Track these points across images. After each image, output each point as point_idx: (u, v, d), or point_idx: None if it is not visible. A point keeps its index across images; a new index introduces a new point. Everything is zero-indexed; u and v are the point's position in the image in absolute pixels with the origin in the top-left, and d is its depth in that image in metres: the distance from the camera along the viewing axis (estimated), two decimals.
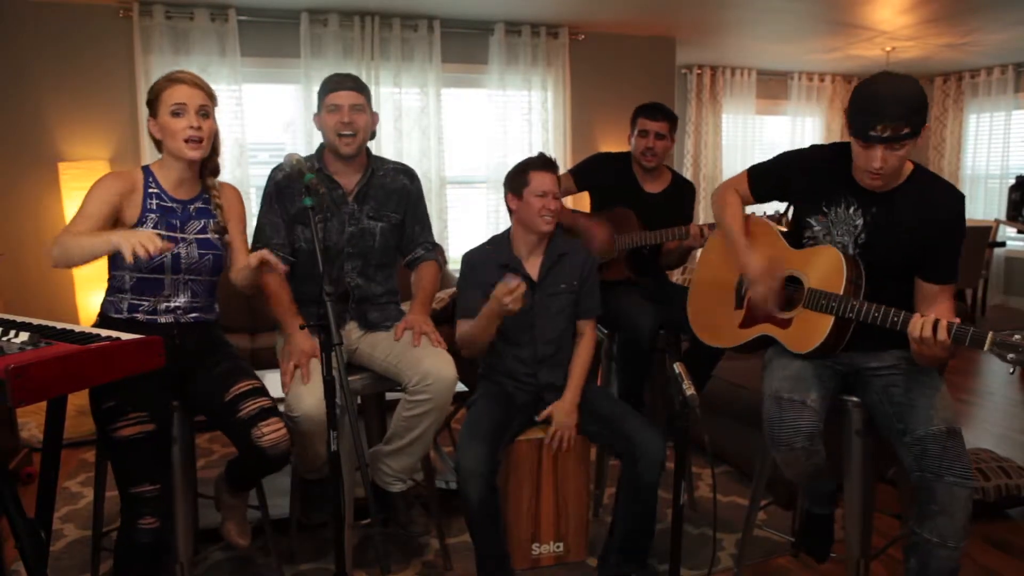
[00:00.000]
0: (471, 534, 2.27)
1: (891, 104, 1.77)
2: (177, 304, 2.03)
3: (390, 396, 2.71)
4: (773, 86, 7.11)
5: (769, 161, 2.19)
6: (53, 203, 4.33)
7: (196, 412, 2.12)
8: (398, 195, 2.42)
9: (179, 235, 2.02)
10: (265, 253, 1.93)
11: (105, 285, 2.06)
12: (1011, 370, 1.65)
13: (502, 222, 5.28)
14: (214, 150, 2.07)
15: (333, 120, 2.25)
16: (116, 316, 1.99)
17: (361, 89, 2.30)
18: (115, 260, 1.98)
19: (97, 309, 2.07)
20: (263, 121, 5.06)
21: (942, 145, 7.38)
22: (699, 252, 2.75)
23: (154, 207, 2.00)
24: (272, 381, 2.24)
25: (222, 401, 1.99)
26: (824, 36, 5.68)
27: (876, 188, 1.93)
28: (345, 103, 2.25)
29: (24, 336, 1.49)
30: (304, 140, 4.82)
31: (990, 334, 1.65)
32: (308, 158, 2.33)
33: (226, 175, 2.16)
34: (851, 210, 1.99)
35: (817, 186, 2.04)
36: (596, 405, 2.42)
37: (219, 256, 2.07)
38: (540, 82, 5.32)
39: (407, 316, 2.34)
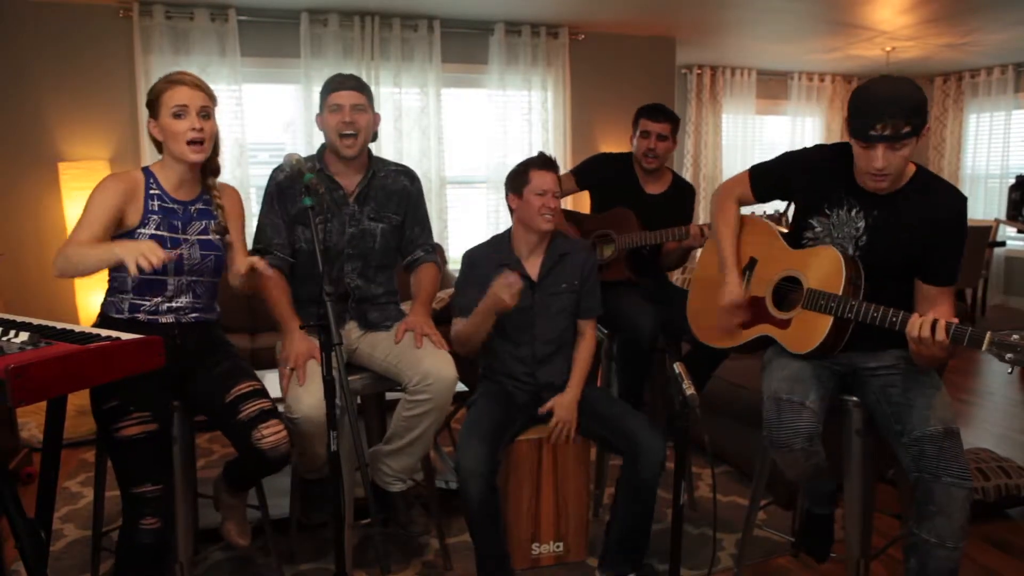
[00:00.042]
0: (471, 534, 2.27)
1: (890, 103, 1.77)
2: (179, 304, 2.03)
3: (390, 396, 2.71)
4: (773, 86, 7.11)
5: (771, 161, 2.18)
6: (53, 203, 4.33)
7: (196, 412, 2.12)
8: (399, 196, 2.42)
9: (181, 236, 2.02)
10: (254, 260, 1.92)
11: (105, 285, 2.06)
12: (1009, 370, 1.65)
13: (502, 222, 5.28)
14: (214, 150, 2.07)
15: (335, 120, 2.25)
16: (117, 316, 2.00)
17: (363, 89, 2.30)
18: None
19: (97, 309, 2.07)
20: (263, 121, 5.06)
21: (942, 145, 7.38)
22: (699, 252, 2.75)
23: (156, 209, 2.00)
24: (272, 381, 2.24)
25: (223, 402, 1.99)
26: (824, 36, 5.68)
27: (879, 191, 1.92)
28: (347, 103, 2.25)
29: (24, 336, 1.49)
30: (304, 140, 4.83)
31: (988, 334, 1.65)
32: (309, 158, 2.33)
33: (226, 175, 2.17)
34: (853, 212, 1.98)
35: (818, 187, 2.04)
36: (596, 405, 2.43)
37: (221, 257, 2.07)
38: (540, 82, 5.32)
39: (408, 318, 2.33)
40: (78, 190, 4.17)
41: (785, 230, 2.21)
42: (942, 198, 1.92)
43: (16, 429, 3.28)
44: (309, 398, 2.05)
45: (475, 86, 5.30)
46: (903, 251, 1.94)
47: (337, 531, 1.86)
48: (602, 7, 4.83)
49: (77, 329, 1.64)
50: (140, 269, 1.68)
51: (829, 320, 1.94)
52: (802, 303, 2.02)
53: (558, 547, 2.53)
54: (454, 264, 4.79)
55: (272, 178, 2.35)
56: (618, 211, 2.90)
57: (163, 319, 2.01)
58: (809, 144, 2.23)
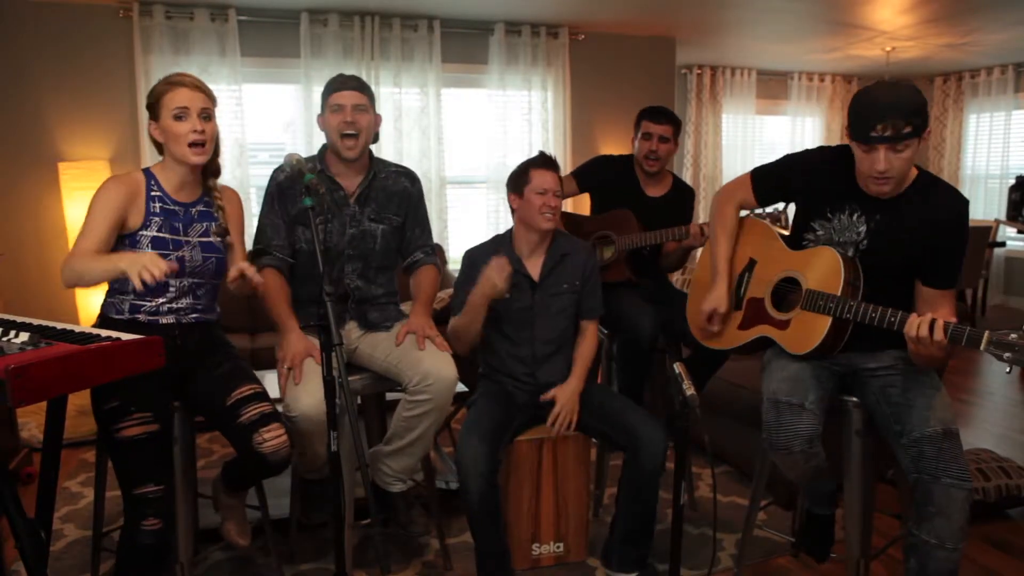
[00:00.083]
0: (472, 532, 2.27)
1: (890, 104, 1.77)
2: (179, 305, 2.03)
3: (390, 396, 2.71)
4: (773, 86, 7.11)
5: (772, 163, 2.18)
6: (53, 203, 4.33)
7: (196, 413, 2.12)
8: (399, 197, 2.42)
9: (183, 238, 2.02)
10: (244, 266, 1.92)
11: (105, 286, 2.06)
12: (1008, 369, 1.66)
13: (502, 222, 5.28)
14: (215, 151, 2.07)
15: (336, 120, 2.26)
16: (117, 317, 2.00)
17: (364, 89, 2.30)
18: None
19: (97, 310, 2.07)
20: (263, 121, 5.07)
21: (942, 145, 7.38)
22: (699, 253, 2.75)
23: (157, 210, 2.00)
24: (272, 382, 2.25)
25: (223, 404, 2.00)
26: (824, 36, 5.68)
27: (882, 195, 1.91)
28: (348, 103, 2.25)
29: (24, 336, 1.49)
30: (304, 140, 4.83)
31: (986, 333, 1.65)
32: (310, 159, 2.33)
33: (226, 175, 2.17)
34: (855, 217, 1.98)
35: (820, 189, 2.03)
36: (597, 400, 2.43)
37: (222, 259, 2.07)
38: (540, 82, 5.32)
39: (410, 320, 2.33)
40: (78, 190, 4.17)
41: (785, 232, 2.21)
42: (943, 200, 1.91)
43: (16, 429, 3.28)
44: (307, 397, 2.05)
45: (475, 86, 5.30)
46: (904, 254, 1.93)
47: (337, 531, 1.86)
48: (602, 7, 4.83)
49: (77, 329, 1.64)
50: (144, 283, 1.69)
51: (828, 321, 1.94)
52: (801, 304, 2.02)
53: (558, 547, 2.53)
54: (454, 264, 4.79)
55: (273, 178, 2.36)
56: (618, 212, 2.90)
57: (163, 320, 2.01)
58: (809, 144, 2.23)
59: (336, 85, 2.29)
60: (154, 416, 1.87)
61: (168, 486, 1.90)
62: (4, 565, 2.28)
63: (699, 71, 6.70)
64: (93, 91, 4.43)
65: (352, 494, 2.23)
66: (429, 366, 2.18)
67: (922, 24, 5.25)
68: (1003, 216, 6.39)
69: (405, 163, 3.68)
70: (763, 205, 2.23)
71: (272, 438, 1.96)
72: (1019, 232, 6.53)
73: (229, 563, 2.56)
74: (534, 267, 2.45)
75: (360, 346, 2.36)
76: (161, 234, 1.98)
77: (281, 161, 2.18)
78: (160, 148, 2.04)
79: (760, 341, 2.15)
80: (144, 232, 1.97)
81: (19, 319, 1.73)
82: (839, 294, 1.92)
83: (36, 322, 1.70)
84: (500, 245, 2.48)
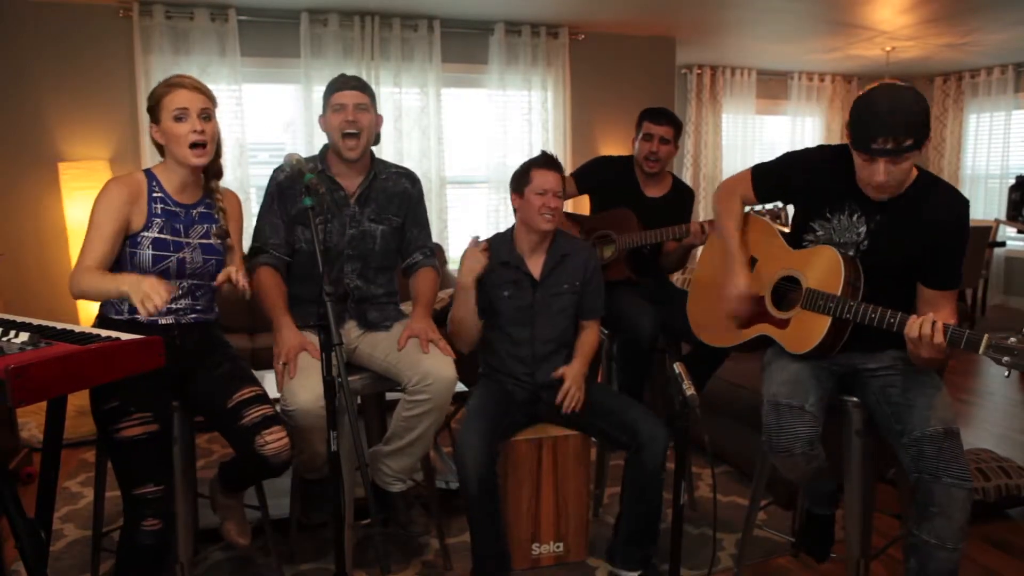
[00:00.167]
0: (470, 529, 2.27)
1: (892, 117, 1.75)
2: (178, 306, 2.03)
3: (390, 396, 2.71)
4: (773, 86, 7.11)
5: (772, 161, 2.18)
6: (53, 203, 4.33)
7: (196, 413, 2.12)
8: (399, 198, 2.42)
9: (184, 239, 2.02)
10: (231, 270, 1.94)
11: None
12: (1006, 373, 1.65)
13: (502, 222, 5.28)
14: (216, 152, 2.07)
15: (338, 119, 2.26)
16: (116, 317, 2.00)
17: (365, 90, 2.30)
18: (118, 265, 1.98)
19: (96, 310, 2.07)
20: (263, 121, 5.06)
21: (942, 145, 7.38)
22: (699, 252, 2.75)
23: (159, 212, 2.00)
24: (271, 381, 2.24)
25: (224, 406, 2.00)
26: (824, 36, 5.68)
27: (881, 199, 1.92)
28: (349, 102, 2.25)
29: (24, 336, 1.49)
30: (304, 140, 4.83)
31: (985, 337, 1.65)
32: (310, 159, 2.33)
33: (226, 175, 2.17)
34: (854, 217, 1.97)
35: (820, 188, 2.03)
36: (598, 398, 2.43)
37: (221, 261, 2.08)
38: (540, 82, 5.32)
39: (411, 323, 2.32)
40: (78, 190, 4.17)
41: (785, 229, 2.21)
42: (943, 201, 1.91)
43: (16, 429, 3.28)
44: (305, 392, 2.05)
45: (475, 86, 5.30)
46: (904, 255, 1.93)
47: (337, 531, 1.86)
48: (602, 7, 4.83)
49: (77, 329, 1.64)
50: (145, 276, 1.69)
51: (827, 320, 1.94)
52: (801, 303, 2.02)
53: (558, 547, 2.53)
54: (454, 264, 4.78)
55: (273, 178, 2.36)
56: (618, 211, 2.90)
57: (162, 320, 2.01)
58: (809, 144, 2.22)
59: (338, 85, 2.29)
60: (153, 416, 1.87)
61: (168, 486, 1.90)
62: (4, 565, 2.28)
63: (699, 71, 6.70)
64: (93, 91, 4.42)
65: (352, 494, 2.23)
66: (428, 366, 2.18)
67: (922, 24, 5.25)
68: (1003, 216, 6.39)
69: (405, 163, 3.68)
70: (762, 202, 2.23)
71: (274, 440, 1.96)
72: (1019, 232, 6.53)
73: (229, 563, 2.56)
74: (535, 266, 2.45)
75: (360, 346, 2.36)
76: (162, 235, 1.98)
77: (281, 161, 2.18)
78: (162, 151, 2.04)
79: (760, 340, 2.15)
80: (145, 233, 1.97)
81: (19, 319, 1.73)
82: (839, 294, 1.92)
83: (36, 322, 1.70)
84: (501, 243, 2.48)
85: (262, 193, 2.40)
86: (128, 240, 1.96)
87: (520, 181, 2.42)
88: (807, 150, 2.12)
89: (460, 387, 2.39)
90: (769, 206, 2.39)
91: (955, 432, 1.85)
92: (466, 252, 2.36)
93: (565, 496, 2.51)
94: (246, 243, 2.32)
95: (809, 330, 1.98)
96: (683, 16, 5.09)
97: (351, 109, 2.25)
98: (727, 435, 3.25)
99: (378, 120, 2.36)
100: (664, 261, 2.99)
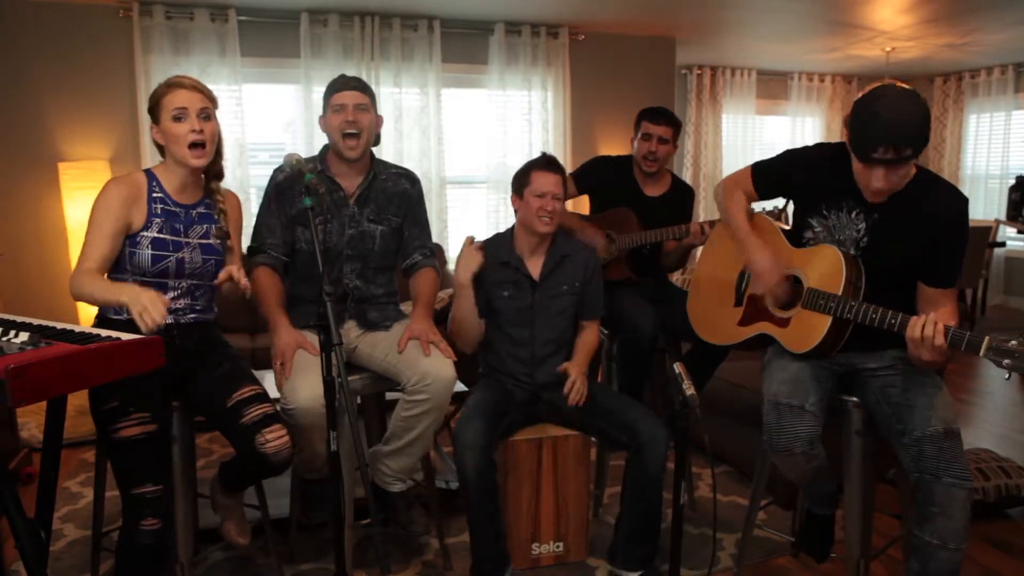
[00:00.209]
0: (469, 528, 2.27)
1: (893, 127, 1.74)
2: (177, 306, 2.03)
3: (390, 396, 2.71)
4: (773, 86, 7.11)
5: (773, 159, 2.18)
6: (53, 203, 4.33)
7: (196, 412, 2.12)
8: (399, 199, 2.42)
9: (183, 239, 2.02)
10: (232, 269, 1.94)
11: None
12: (1007, 376, 1.65)
13: (502, 222, 5.28)
14: (217, 153, 2.07)
15: (338, 120, 2.26)
16: (116, 317, 1.99)
17: (365, 90, 2.31)
18: (118, 264, 1.98)
19: (96, 310, 2.07)
20: (263, 121, 5.06)
21: (942, 145, 7.38)
22: (699, 252, 2.75)
23: (158, 212, 2.00)
24: (271, 381, 2.24)
25: (224, 406, 2.00)
26: (824, 36, 5.68)
27: (878, 200, 1.92)
28: (350, 103, 2.25)
29: (24, 336, 1.49)
30: (304, 140, 4.83)
31: (986, 339, 1.65)
32: (310, 159, 2.33)
33: (226, 175, 2.17)
34: (853, 215, 1.97)
35: (818, 186, 2.03)
36: (598, 398, 2.43)
37: (221, 261, 2.08)
38: (540, 82, 5.32)
39: (412, 325, 2.31)
40: (78, 190, 4.17)
41: (786, 227, 2.21)
42: (943, 198, 1.91)
43: (16, 429, 3.28)
44: (305, 390, 2.05)
45: (475, 86, 5.30)
46: (904, 252, 1.93)
47: (337, 531, 1.86)
48: (602, 7, 4.83)
49: (77, 329, 1.64)
50: (144, 273, 1.69)
51: (828, 320, 1.94)
52: (802, 302, 2.02)
53: (558, 547, 2.53)
54: (454, 264, 4.78)
55: (272, 178, 2.36)
56: (618, 211, 2.90)
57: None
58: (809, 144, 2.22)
59: (338, 85, 2.29)
60: (152, 416, 1.87)
61: (167, 486, 1.90)
62: (4, 565, 2.28)
63: (699, 71, 6.70)
64: (93, 91, 4.43)
65: (352, 494, 2.23)
66: (427, 366, 2.18)
67: (922, 24, 5.25)
68: (1003, 216, 6.39)
69: (405, 163, 3.68)
70: (763, 199, 2.23)
71: (275, 439, 1.96)
72: (1019, 232, 6.53)
73: (229, 563, 2.55)
74: (534, 267, 2.45)
75: (359, 345, 2.36)
76: (161, 235, 1.98)
77: (281, 161, 2.18)
78: (162, 151, 2.04)
79: (760, 338, 2.15)
80: (145, 233, 1.97)
81: (19, 319, 1.73)
82: (840, 293, 1.92)
83: (36, 322, 1.70)
84: (500, 244, 2.48)
85: (262, 193, 2.40)
86: (127, 240, 1.96)
87: (520, 182, 2.42)
88: (806, 148, 2.12)
89: (460, 387, 2.39)
90: (770, 207, 2.39)
91: (956, 432, 1.85)
92: (461, 251, 2.38)
93: (565, 496, 2.51)
94: (245, 244, 2.32)
95: (810, 329, 1.98)
96: (683, 16, 5.09)
97: (351, 109, 2.25)
98: (727, 435, 3.25)
99: (378, 120, 2.36)
100: (664, 261, 2.99)
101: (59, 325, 1.67)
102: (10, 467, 3.05)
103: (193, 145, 1.96)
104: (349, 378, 1.95)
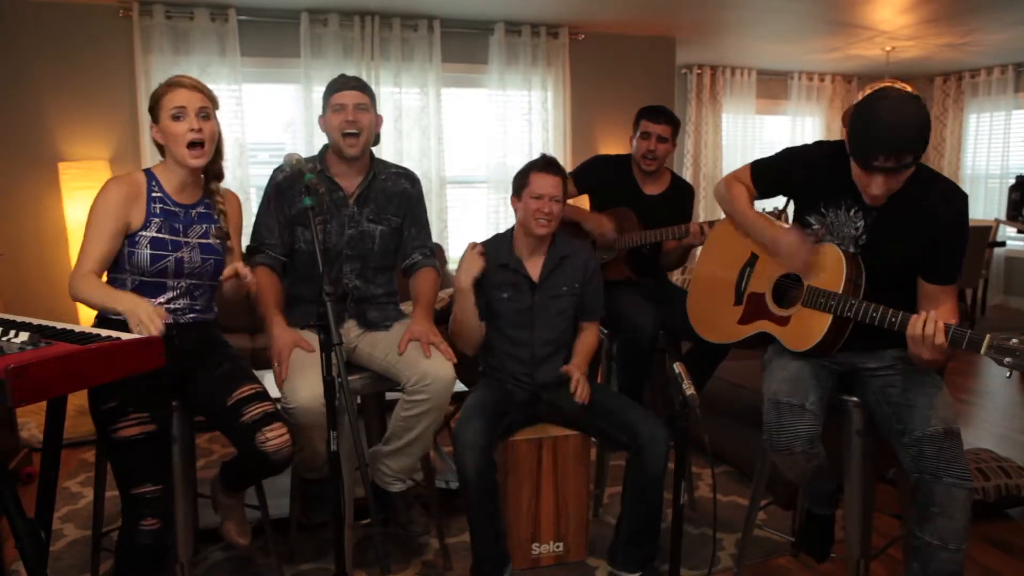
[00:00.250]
0: (470, 527, 2.27)
1: (894, 137, 1.74)
2: (177, 306, 2.03)
3: (390, 396, 2.71)
4: (773, 86, 7.11)
5: (772, 157, 2.18)
6: (53, 203, 4.33)
7: (196, 412, 2.12)
8: (399, 199, 2.42)
9: (182, 239, 2.02)
10: (238, 266, 1.95)
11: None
12: (1008, 374, 1.65)
13: (502, 222, 5.28)
14: (217, 153, 2.07)
15: (338, 119, 2.26)
16: (116, 317, 1.99)
17: (365, 90, 2.31)
18: (117, 264, 1.98)
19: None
20: (263, 121, 5.06)
21: (942, 145, 7.38)
22: (699, 251, 2.75)
23: (158, 211, 2.00)
24: (271, 381, 2.24)
25: (224, 405, 2.00)
26: (824, 36, 5.68)
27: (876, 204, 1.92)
28: (350, 102, 2.25)
29: (24, 336, 1.49)
30: (304, 140, 4.83)
31: (987, 337, 1.65)
32: (310, 159, 2.33)
33: (226, 175, 2.17)
34: (852, 212, 1.98)
35: (817, 184, 2.03)
36: (598, 398, 2.43)
37: (220, 261, 2.08)
38: (540, 82, 5.32)
39: (412, 326, 2.30)
40: (78, 190, 4.17)
41: (786, 226, 2.21)
42: (942, 195, 1.91)
43: (16, 429, 3.28)
44: (305, 389, 2.05)
45: (475, 86, 5.30)
46: (904, 250, 1.93)
47: (337, 531, 1.86)
48: (602, 7, 4.83)
49: (77, 329, 1.64)
50: (142, 270, 1.69)
51: (828, 319, 1.94)
52: (802, 301, 2.02)
53: (558, 547, 2.53)
54: (454, 264, 4.78)
55: (272, 178, 2.36)
56: (618, 210, 2.90)
57: None
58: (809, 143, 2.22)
59: (338, 85, 2.29)
60: (151, 416, 1.87)
61: (166, 486, 1.90)
62: (4, 565, 2.28)
63: (699, 71, 6.70)
64: (93, 91, 4.42)
65: (352, 494, 2.23)
66: (427, 366, 2.18)
67: (922, 24, 5.25)
68: (1003, 216, 6.39)
69: (405, 163, 3.68)
70: (762, 197, 2.23)
71: (275, 437, 1.96)
72: (1019, 232, 6.53)
73: (229, 563, 2.55)
74: (534, 268, 2.45)
75: (359, 345, 2.36)
76: (160, 235, 1.98)
77: (281, 161, 2.18)
78: (162, 151, 2.04)
79: (760, 337, 2.15)
80: (143, 233, 1.97)
81: (19, 319, 1.73)
82: (841, 291, 1.92)
83: (36, 322, 1.70)
84: (500, 245, 2.48)
85: (262, 193, 2.40)
86: (126, 239, 1.96)
87: (519, 184, 2.42)
88: (806, 146, 2.12)
89: (460, 387, 2.39)
90: (770, 207, 2.39)
91: (956, 432, 1.85)
92: (463, 255, 2.38)
93: (565, 496, 2.51)
94: (245, 244, 2.32)
95: (810, 328, 1.98)
96: (683, 16, 5.09)
97: (351, 109, 2.25)
98: (727, 435, 3.25)
99: (378, 120, 2.36)
100: (664, 260, 2.99)
101: (59, 325, 1.67)
102: (10, 467, 3.05)
103: (191, 144, 1.96)
104: (349, 378, 1.95)
